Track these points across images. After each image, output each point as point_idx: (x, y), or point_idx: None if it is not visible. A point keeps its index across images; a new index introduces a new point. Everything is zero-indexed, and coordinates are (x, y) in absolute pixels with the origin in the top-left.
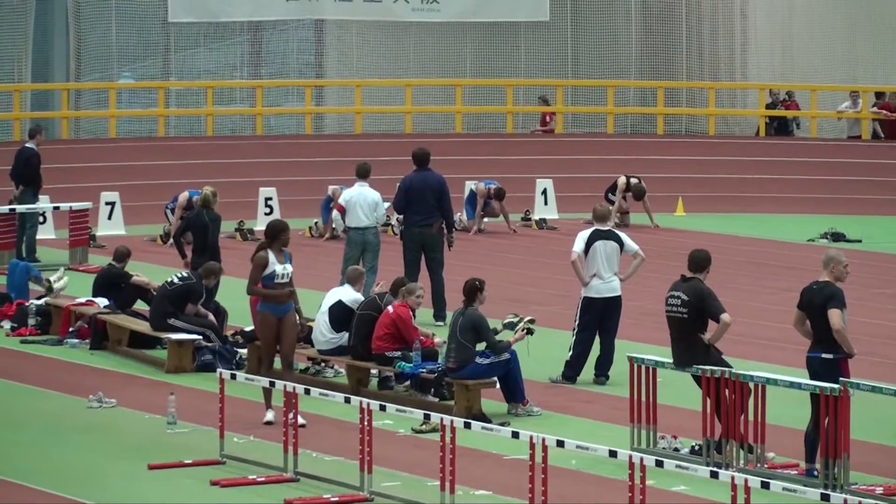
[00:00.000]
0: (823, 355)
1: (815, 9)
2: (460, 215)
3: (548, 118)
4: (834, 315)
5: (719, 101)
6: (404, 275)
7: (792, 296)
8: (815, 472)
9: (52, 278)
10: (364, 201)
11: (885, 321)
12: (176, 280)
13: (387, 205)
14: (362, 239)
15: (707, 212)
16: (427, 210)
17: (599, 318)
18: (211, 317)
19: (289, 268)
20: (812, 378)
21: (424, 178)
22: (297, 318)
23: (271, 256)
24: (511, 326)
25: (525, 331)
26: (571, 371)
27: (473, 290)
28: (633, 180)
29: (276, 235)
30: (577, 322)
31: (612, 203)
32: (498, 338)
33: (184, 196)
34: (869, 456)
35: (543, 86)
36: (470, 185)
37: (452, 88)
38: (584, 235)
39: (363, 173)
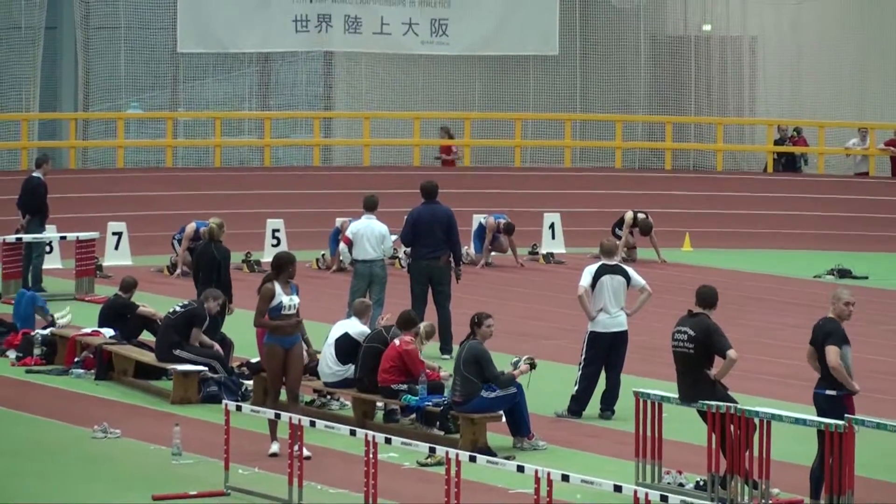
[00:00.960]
0: (827, 392)
1: (823, 45)
2: (467, 248)
3: (453, 149)
4: (830, 352)
5: (727, 136)
6: (411, 307)
7: (798, 332)
8: None
9: (57, 315)
10: (371, 234)
11: (890, 357)
12: (178, 309)
13: (394, 237)
14: (369, 271)
15: (714, 247)
16: (435, 243)
17: (606, 353)
18: (217, 347)
19: (295, 299)
20: (818, 414)
21: (433, 210)
22: (305, 348)
23: (278, 288)
24: (515, 366)
25: (529, 364)
26: (577, 405)
27: (475, 324)
28: (640, 216)
29: (283, 267)
30: (583, 356)
31: (619, 238)
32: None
33: (191, 227)
34: (873, 492)
35: (552, 120)
36: (479, 219)
37: (461, 122)
38: (591, 270)
39: (371, 206)
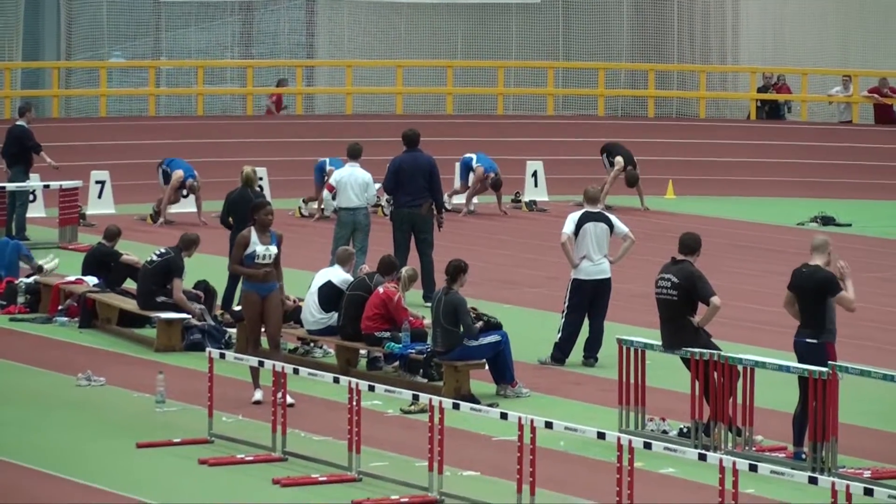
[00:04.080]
0: (808, 340)
1: None
2: (449, 194)
3: (282, 102)
4: (846, 300)
5: (710, 84)
6: (394, 255)
7: (781, 279)
8: (803, 455)
9: (41, 262)
10: (355, 182)
11: (873, 305)
12: (155, 257)
13: (377, 186)
14: (352, 219)
15: (697, 195)
16: (417, 191)
17: (589, 300)
18: (195, 304)
19: (272, 249)
20: (799, 361)
21: (415, 158)
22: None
23: (253, 236)
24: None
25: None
26: (560, 353)
27: (458, 271)
28: (629, 167)
29: (251, 214)
30: (566, 304)
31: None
32: None
33: (178, 175)
34: (857, 439)
35: (535, 68)
36: (467, 157)
37: (443, 70)
38: (574, 217)
39: (354, 154)
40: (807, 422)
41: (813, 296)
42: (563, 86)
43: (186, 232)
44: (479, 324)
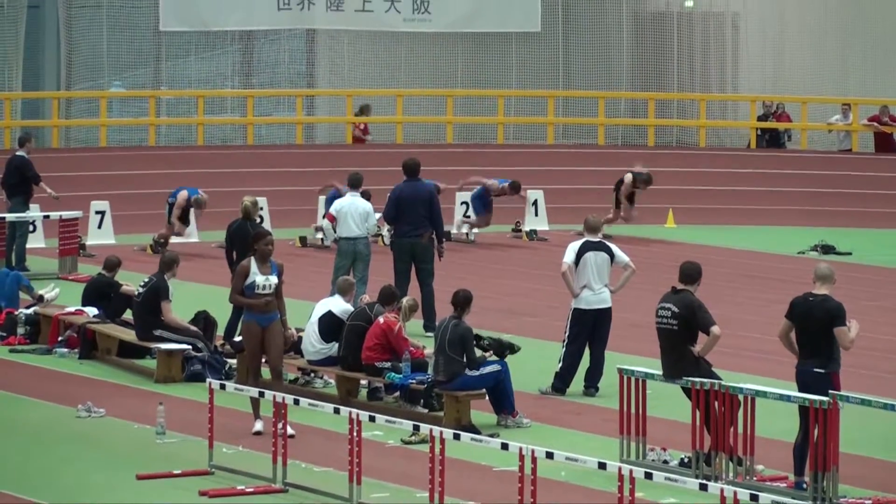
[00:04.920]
0: (816, 370)
1: (806, 21)
2: (460, 222)
3: (367, 129)
4: (842, 333)
5: (710, 112)
6: (394, 285)
7: (782, 308)
8: (805, 485)
9: (42, 292)
10: (355, 211)
11: (874, 334)
12: (141, 289)
13: (378, 215)
14: (353, 249)
15: (698, 224)
16: (418, 220)
17: (589, 330)
18: (190, 327)
19: (272, 279)
20: (802, 391)
21: (415, 188)
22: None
23: (253, 266)
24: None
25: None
26: (561, 382)
27: (466, 301)
28: (639, 173)
29: (252, 244)
30: (566, 333)
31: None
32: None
33: (182, 195)
34: (858, 469)
35: (534, 96)
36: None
37: (443, 99)
38: (574, 246)
39: (355, 183)
40: (808, 451)
41: (822, 325)
42: (564, 115)
43: (165, 253)
44: (486, 354)
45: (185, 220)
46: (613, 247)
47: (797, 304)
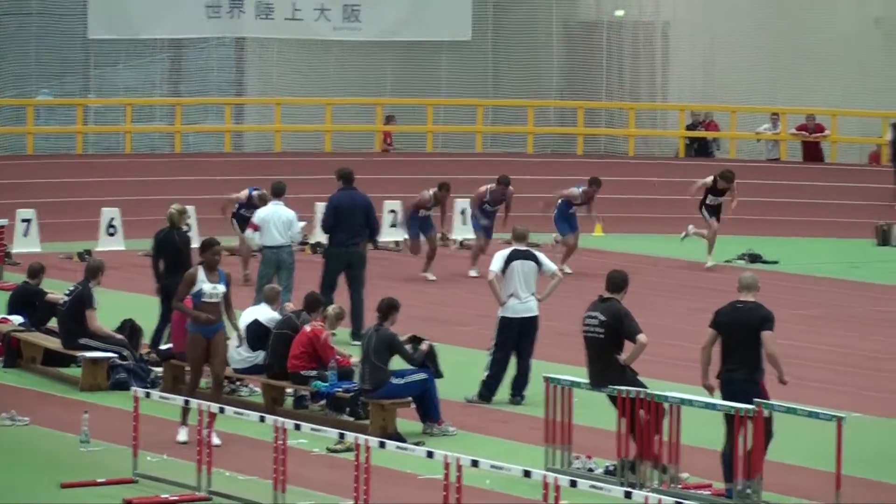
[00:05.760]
0: (744, 378)
1: (735, 31)
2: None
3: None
4: (770, 338)
5: (639, 121)
6: (320, 293)
7: (709, 316)
8: (733, 493)
9: None
10: (278, 219)
11: (800, 342)
12: (66, 298)
13: (302, 223)
14: (276, 258)
15: (626, 232)
16: (355, 229)
17: (516, 338)
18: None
19: (220, 287)
20: (728, 399)
21: (352, 197)
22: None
23: (201, 274)
24: (414, 349)
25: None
26: (487, 391)
27: (391, 308)
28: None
29: (200, 253)
30: (493, 342)
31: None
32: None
33: (243, 194)
34: (782, 476)
35: (464, 105)
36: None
37: (373, 107)
38: (502, 255)
39: (278, 192)
40: (734, 459)
41: (751, 332)
42: (493, 123)
43: (90, 261)
44: (424, 345)
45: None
46: (541, 255)
47: (723, 313)
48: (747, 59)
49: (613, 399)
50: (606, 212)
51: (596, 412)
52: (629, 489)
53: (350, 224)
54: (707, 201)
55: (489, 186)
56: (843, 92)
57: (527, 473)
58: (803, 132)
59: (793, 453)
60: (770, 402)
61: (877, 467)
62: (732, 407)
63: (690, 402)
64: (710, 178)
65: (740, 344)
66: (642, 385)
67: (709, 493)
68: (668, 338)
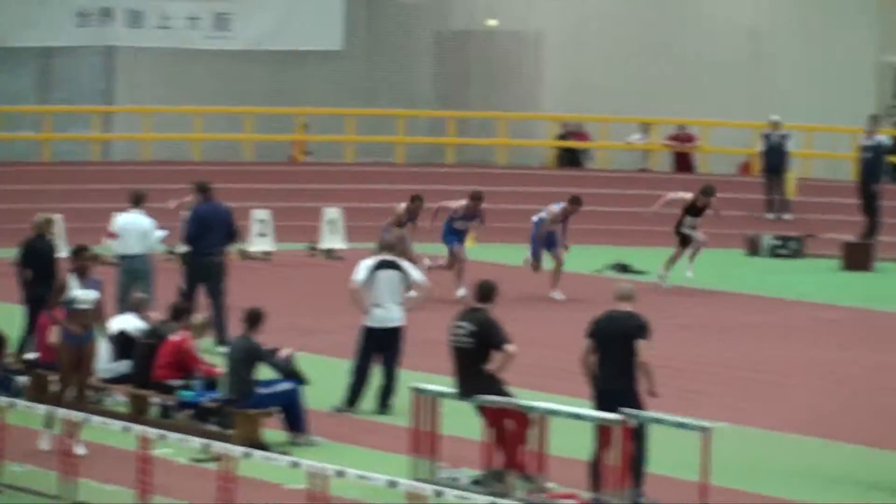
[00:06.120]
0: (620, 387)
1: (607, 41)
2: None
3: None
4: (645, 346)
5: (511, 131)
6: (181, 301)
7: (577, 326)
8: (641, 500)
9: None
10: (135, 229)
11: (670, 353)
12: None
13: (162, 233)
14: (133, 267)
15: (496, 242)
16: (218, 240)
17: (380, 347)
18: None
19: (92, 294)
20: (603, 408)
21: (214, 208)
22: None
23: (72, 281)
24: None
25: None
26: (351, 399)
27: (256, 318)
28: (700, 191)
29: (73, 258)
30: (357, 351)
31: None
32: None
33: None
34: (650, 487)
35: (335, 114)
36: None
37: (242, 117)
38: (366, 264)
39: (136, 200)
40: (602, 469)
41: (626, 341)
42: (364, 133)
43: None
44: (287, 351)
45: None
46: (407, 265)
47: (599, 322)
48: (619, 69)
49: (481, 408)
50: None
51: (463, 422)
52: (495, 499)
53: (214, 235)
54: (684, 222)
55: (461, 202)
56: (714, 102)
57: (392, 483)
58: (674, 142)
59: (661, 464)
60: (637, 412)
61: (744, 477)
62: (599, 417)
63: (557, 412)
64: (688, 195)
65: (616, 353)
66: (509, 395)
67: (574, 502)
68: (537, 347)
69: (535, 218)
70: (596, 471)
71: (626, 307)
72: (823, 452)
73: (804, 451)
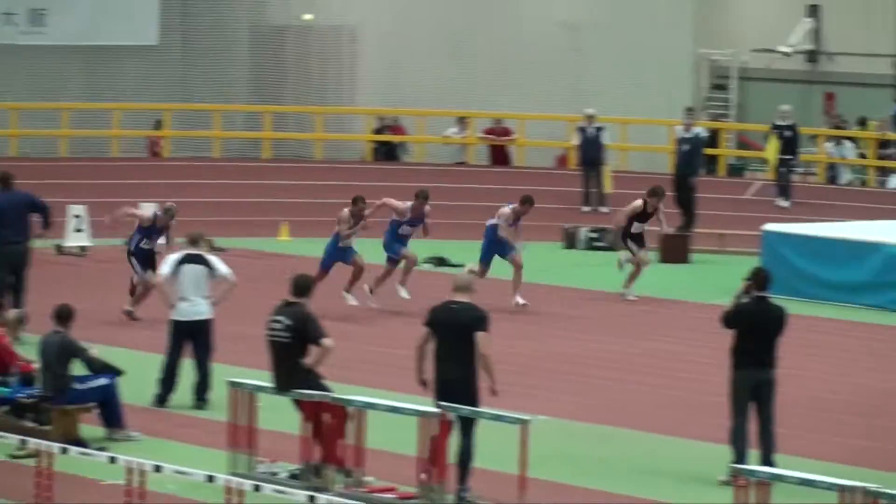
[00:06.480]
0: (461, 377)
1: (424, 35)
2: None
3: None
4: (486, 339)
5: (327, 125)
6: None
7: (397, 320)
8: (465, 494)
9: None
10: None
11: (508, 349)
12: None
13: None
14: None
15: (313, 236)
16: (21, 228)
17: (188, 341)
18: None
19: None
20: (443, 399)
21: (10, 197)
22: None
23: None
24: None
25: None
26: (162, 394)
27: (69, 314)
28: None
29: None
30: (167, 345)
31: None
32: None
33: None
34: (481, 482)
35: (152, 110)
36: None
37: (58, 112)
38: (173, 259)
39: None
40: (469, 460)
41: (466, 332)
42: (180, 128)
43: None
44: (94, 350)
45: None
46: (213, 259)
47: (437, 311)
48: (436, 63)
49: (298, 403)
50: (293, 215)
51: (281, 416)
52: (313, 493)
53: (17, 223)
54: (632, 230)
55: (408, 204)
56: (530, 95)
57: (210, 478)
58: (490, 136)
59: (479, 457)
60: (452, 405)
61: (561, 469)
62: (417, 411)
63: (374, 406)
64: (638, 202)
65: (454, 344)
66: (327, 389)
67: (393, 496)
68: (355, 341)
69: (488, 223)
70: (463, 462)
71: (463, 298)
72: (632, 442)
73: (615, 442)
